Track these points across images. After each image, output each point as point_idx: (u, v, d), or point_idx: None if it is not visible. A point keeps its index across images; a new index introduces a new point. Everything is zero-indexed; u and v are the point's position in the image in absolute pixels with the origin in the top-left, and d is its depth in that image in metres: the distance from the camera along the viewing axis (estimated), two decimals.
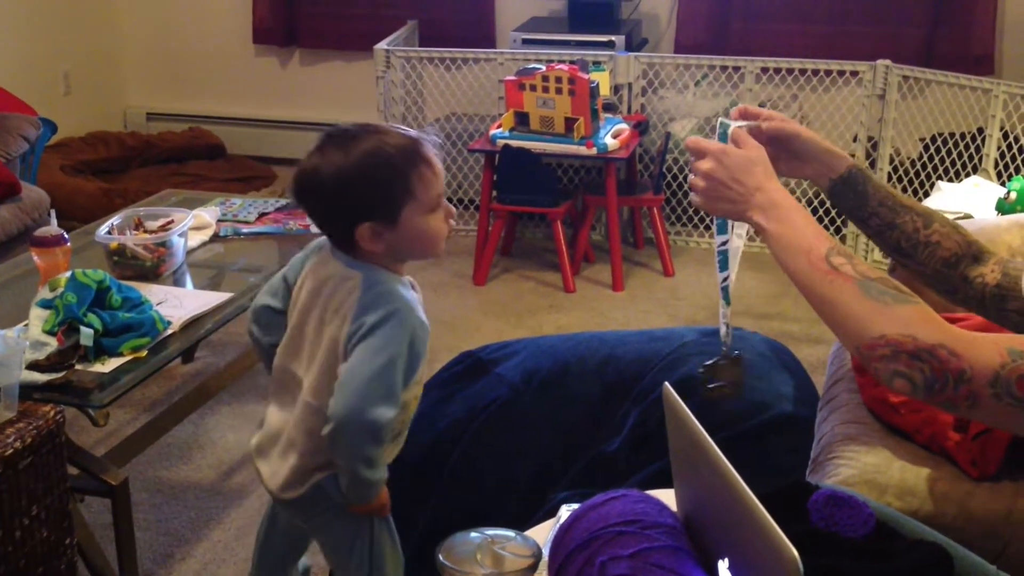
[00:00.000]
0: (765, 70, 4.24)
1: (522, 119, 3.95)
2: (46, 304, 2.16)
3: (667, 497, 1.25)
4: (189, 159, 5.07)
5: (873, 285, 1.18)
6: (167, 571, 2.41)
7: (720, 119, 1.41)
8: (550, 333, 3.62)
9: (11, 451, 1.83)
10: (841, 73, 4.22)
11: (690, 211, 4.48)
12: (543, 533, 1.36)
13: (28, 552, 1.90)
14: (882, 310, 1.15)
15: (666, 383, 1.14)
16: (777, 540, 0.89)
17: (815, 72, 4.23)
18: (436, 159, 1.65)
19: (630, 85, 4.30)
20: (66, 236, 2.37)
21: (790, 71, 4.25)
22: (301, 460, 1.70)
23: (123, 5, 5.51)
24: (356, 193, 1.61)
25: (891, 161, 4.16)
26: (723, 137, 1.38)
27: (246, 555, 2.45)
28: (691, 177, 1.37)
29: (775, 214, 1.27)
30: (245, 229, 2.96)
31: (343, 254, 1.68)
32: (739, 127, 1.38)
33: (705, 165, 1.34)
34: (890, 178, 4.14)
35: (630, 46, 4.45)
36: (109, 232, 2.59)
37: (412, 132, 1.68)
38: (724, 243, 1.44)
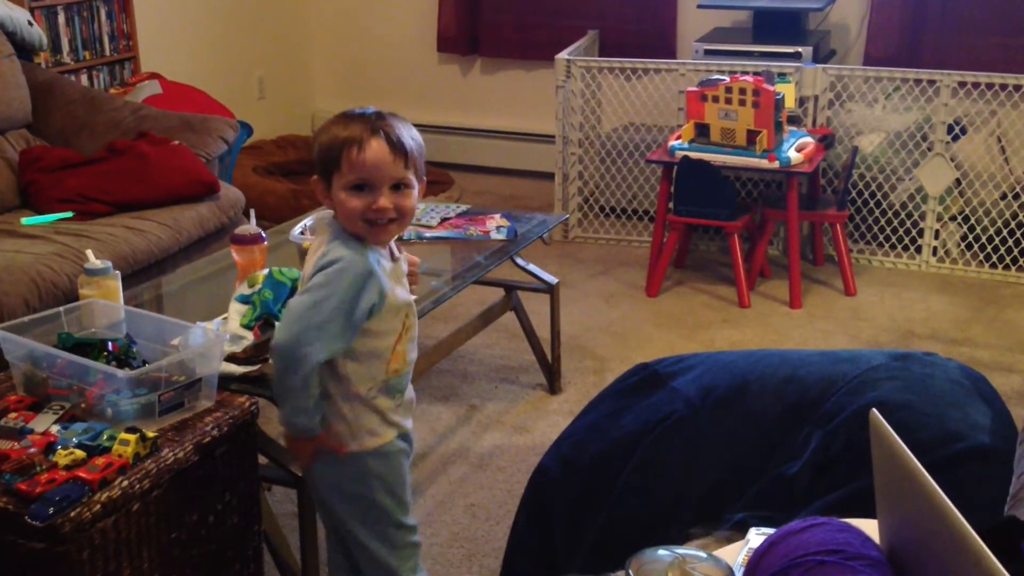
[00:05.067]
0: (963, 84, 4.05)
1: (702, 131, 3.90)
2: (244, 299, 2.26)
3: (865, 527, 1.20)
4: None
5: None
6: None
7: None
8: (723, 348, 3.56)
9: (209, 439, 1.92)
10: None
11: (875, 229, 4.32)
12: (730, 555, 1.33)
13: (219, 537, 1.99)
14: None
15: (873, 409, 1.09)
16: None
17: (1016, 87, 4.02)
18: (375, 145, 1.78)
19: (816, 98, 4.19)
20: (264, 235, 2.48)
21: (989, 86, 4.06)
22: None
23: (314, 15, 5.73)
24: (318, 150, 1.83)
25: None
26: None
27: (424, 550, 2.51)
28: None
29: None
30: (428, 233, 3.02)
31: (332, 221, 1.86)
32: None
33: None
34: None
35: (817, 57, 4.33)
36: (302, 232, 2.69)
37: (373, 117, 1.82)
38: None
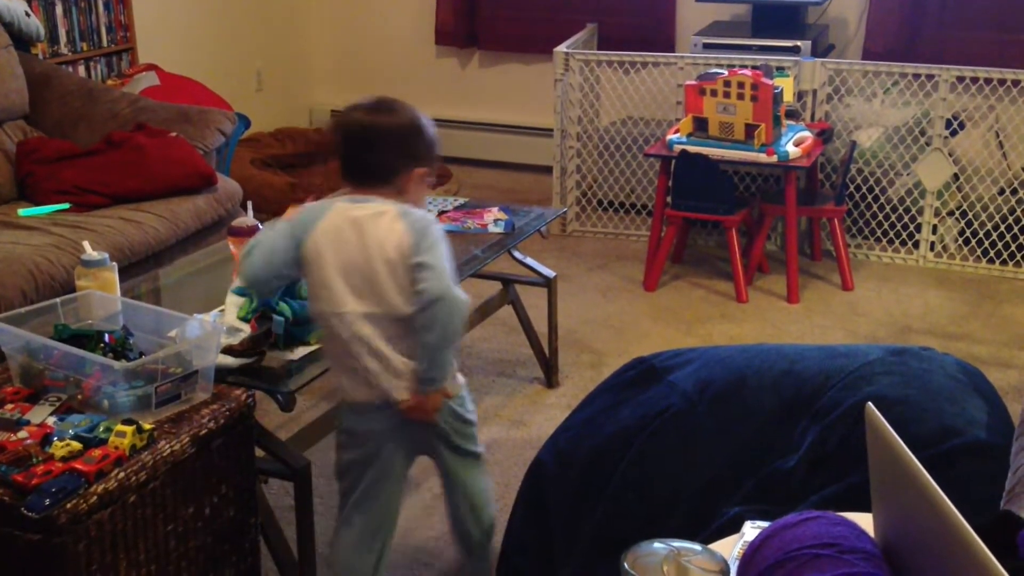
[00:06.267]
0: (961, 79, 4.05)
1: (700, 124, 3.90)
2: (241, 292, 2.26)
3: (860, 521, 1.21)
4: None
5: None
6: None
7: None
8: (721, 343, 3.56)
9: (206, 431, 1.92)
10: None
11: (873, 223, 4.33)
12: (726, 548, 1.33)
13: (216, 529, 1.99)
14: None
15: (869, 404, 1.09)
16: (994, 574, 0.84)
17: (1015, 83, 4.02)
18: None
19: (815, 92, 4.19)
20: (261, 227, 2.47)
21: (988, 81, 4.06)
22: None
23: (312, 8, 5.72)
24: (425, 140, 2.03)
25: None
26: None
27: (417, 543, 2.51)
28: None
29: None
30: None
31: (365, 199, 1.97)
32: None
33: None
34: None
35: (816, 52, 4.33)
36: None
37: None
38: None
